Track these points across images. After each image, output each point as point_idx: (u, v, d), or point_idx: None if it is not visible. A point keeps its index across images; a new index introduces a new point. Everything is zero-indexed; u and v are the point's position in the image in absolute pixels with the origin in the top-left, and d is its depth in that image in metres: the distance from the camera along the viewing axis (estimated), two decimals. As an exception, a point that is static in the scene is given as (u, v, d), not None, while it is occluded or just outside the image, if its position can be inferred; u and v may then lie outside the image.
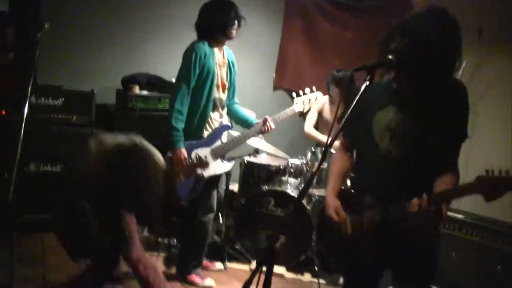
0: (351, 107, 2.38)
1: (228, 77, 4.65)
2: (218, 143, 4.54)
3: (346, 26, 6.95)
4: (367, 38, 6.55)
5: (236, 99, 4.84)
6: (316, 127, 5.99)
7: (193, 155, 4.47)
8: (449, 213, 4.61)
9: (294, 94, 4.73)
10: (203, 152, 4.50)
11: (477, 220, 4.65)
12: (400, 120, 2.66)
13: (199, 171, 4.46)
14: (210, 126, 4.55)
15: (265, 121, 4.55)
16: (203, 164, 4.44)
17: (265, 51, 7.11)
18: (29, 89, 3.26)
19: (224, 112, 4.69)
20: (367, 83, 2.38)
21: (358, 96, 2.38)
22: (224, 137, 4.62)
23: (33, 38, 3.46)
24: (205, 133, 4.53)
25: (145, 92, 5.87)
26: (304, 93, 4.70)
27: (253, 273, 2.17)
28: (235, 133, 4.89)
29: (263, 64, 7.17)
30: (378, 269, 2.94)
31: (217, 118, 4.60)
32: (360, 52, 6.45)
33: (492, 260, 4.47)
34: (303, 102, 4.69)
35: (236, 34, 4.46)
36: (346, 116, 2.40)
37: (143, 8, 6.30)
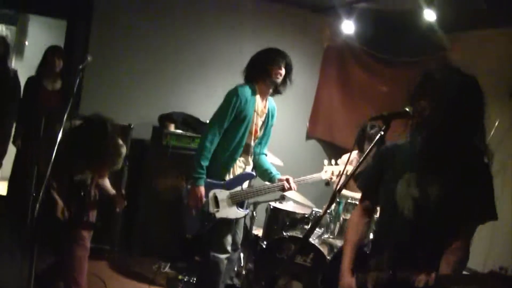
0: (366, 155, 2.42)
1: (265, 125, 4.70)
2: (238, 188, 4.55)
3: (381, 77, 6.94)
4: (401, 91, 6.55)
5: (265, 150, 4.88)
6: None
7: (211, 194, 4.51)
8: None
9: (325, 161, 4.59)
10: (222, 194, 4.52)
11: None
12: (423, 189, 2.62)
13: (212, 210, 4.49)
14: (234, 171, 4.59)
15: (287, 180, 4.55)
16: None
17: (301, 98, 7.17)
18: (66, 115, 3.38)
19: (251, 159, 4.72)
20: (382, 133, 2.43)
21: (372, 144, 2.43)
22: (245, 184, 4.64)
23: (75, 68, 3.64)
24: (227, 176, 4.57)
25: (179, 131, 6.03)
26: (336, 163, 4.58)
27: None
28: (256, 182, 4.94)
29: (298, 112, 7.24)
30: None
31: (242, 164, 4.64)
32: (394, 105, 6.39)
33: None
34: (332, 172, 4.56)
35: (281, 80, 4.50)
36: (361, 165, 2.42)
37: (184, 50, 6.53)
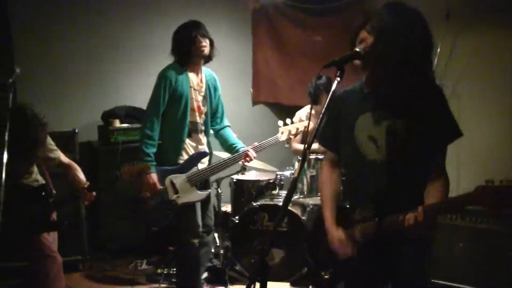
0: (325, 108, 2.34)
1: (209, 100, 4.63)
2: (194, 170, 4.46)
3: (314, 29, 6.97)
4: (336, 38, 6.53)
5: (225, 121, 4.81)
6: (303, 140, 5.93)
7: (167, 181, 4.42)
8: None
9: (280, 122, 4.54)
10: (178, 178, 4.43)
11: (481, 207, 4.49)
12: (381, 127, 2.60)
13: (171, 197, 4.41)
14: (186, 152, 4.52)
15: (246, 154, 4.51)
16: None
17: (239, 66, 7.11)
18: (6, 134, 3.31)
19: (203, 137, 4.64)
20: (338, 79, 2.36)
21: (330, 94, 2.36)
22: (202, 164, 4.55)
23: (5, 83, 3.49)
24: (180, 159, 4.49)
25: (125, 125, 5.91)
26: (292, 122, 4.54)
27: None
28: (222, 154, 4.86)
29: (240, 79, 7.17)
30: (377, 280, 2.80)
31: (193, 143, 4.56)
32: (332, 53, 6.39)
33: (502, 246, 4.29)
34: (289, 131, 4.52)
35: (207, 51, 4.45)
36: (322, 120, 2.36)
37: (113, 43, 6.34)
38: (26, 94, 5.49)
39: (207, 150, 4.65)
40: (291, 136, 4.51)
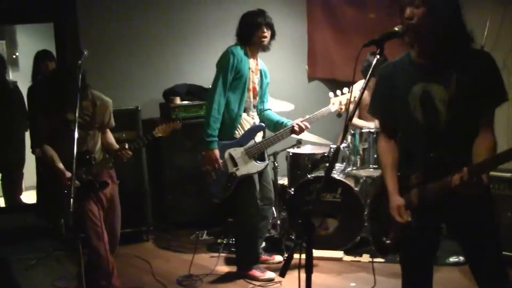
0: (367, 83, 2.50)
1: (260, 84, 4.84)
2: (251, 143, 4.66)
3: (368, 7, 6.89)
4: (390, 15, 6.51)
5: (267, 106, 4.99)
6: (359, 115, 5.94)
7: (226, 155, 4.64)
8: (496, 173, 4.54)
9: (331, 94, 4.58)
10: (237, 151, 4.64)
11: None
12: (430, 90, 2.69)
13: (231, 169, 4.61)
14: (242, 127, 4.71)
15: (298, 125, 4.61)
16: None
17: (294, 43, 7.16)
18: (77, 113, 3.52)
19: (255, 115, 4.85)
20: (378, 56, 2.50)
21: (371, 70, 2.51)
22: (258, 137, 4.76)
23: (75, 65, 3.71)
24: (237, 134, 4.70)
25: (186, 102, 6.14)
26: (342, 93, 4.56)
27: (293, 248, 2.28)
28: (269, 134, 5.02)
29: (295, 57, 7.23)
30: (434, 241, 2.92)
31: (249, 119, 4.77)
32: (385, 29, 6.38)
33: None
34: (340, 102, 4.54)
35: (267, 42, 4.67)
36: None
37: (172, 22, 6.54)
38: (91, 75, 5.65)
39: (263, 124, 4.85)
40: (342, 107, 4.55)
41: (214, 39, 6.37)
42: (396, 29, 2.61)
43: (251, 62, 4.72)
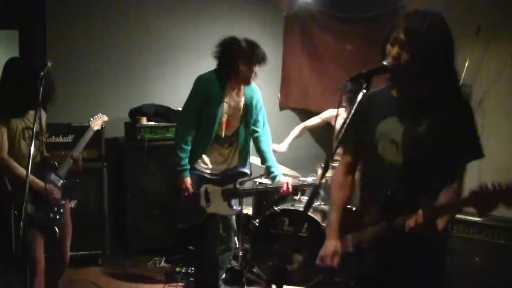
0: (349, 117, 2.37)
1: (246, 110, 4.67)
2: (230, 186, 4.59)
3: (345, 36, 6.89)
4: (368, 48, 6.50)
5: (265, 130, 4.93)
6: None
7: (202, 189, 4.55)
8: (465, 217, 4.51)
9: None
10: (213, 189, 4.57)
11: (499, 222, 4.42)
12: (404, 132, 2.59)
13: (202, 203, 4.52)
14: (212, 158, 4.60)
15: (286, 184, 4.65)
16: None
17: (268, 69, 7.02)
18: (34, 123, 3.45)
19: (227, 149, 4.68)
20: (364, 91, 2.37)
21: (356, 105, 2.37)
22: (238, 183, 4.68)
23: (37, 76, 3.53)
24: (200, 163, 4.57)
25: (152, 123, 5.95)
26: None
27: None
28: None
29: (268, 83, 7.06)
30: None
31: (223, 151, 4.65)
32: (364, 62, 6.37)
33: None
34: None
35: (253, 80, 4.56)
36: (345, 126, 2.37)
37: (145, 41, 6.40)
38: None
39: (248, 172, 4.74)
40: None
41: (188, 61, 6.26)
42: (385, 63, 2.48)
43: (229, 91, 4.54)
